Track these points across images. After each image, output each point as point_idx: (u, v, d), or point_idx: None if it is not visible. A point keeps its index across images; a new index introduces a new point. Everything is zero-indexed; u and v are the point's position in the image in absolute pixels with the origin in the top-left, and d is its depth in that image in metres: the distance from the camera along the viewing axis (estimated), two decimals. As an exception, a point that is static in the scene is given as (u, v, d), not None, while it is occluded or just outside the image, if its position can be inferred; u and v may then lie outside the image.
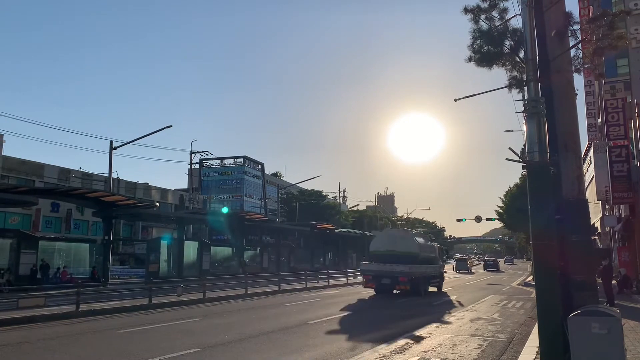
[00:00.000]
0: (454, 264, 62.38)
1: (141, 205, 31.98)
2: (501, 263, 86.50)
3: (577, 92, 8.41)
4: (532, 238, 7.05)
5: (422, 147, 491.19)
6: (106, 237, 28.63)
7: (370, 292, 24.18)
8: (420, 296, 22.56)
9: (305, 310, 16.93)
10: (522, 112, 7.34)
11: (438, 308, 18.13)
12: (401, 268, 22.17)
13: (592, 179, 37.19)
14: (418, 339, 11.02)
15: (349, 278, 34.21)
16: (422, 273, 23.63)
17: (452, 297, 22.88)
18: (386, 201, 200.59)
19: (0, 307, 15.75)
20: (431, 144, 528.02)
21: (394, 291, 23.44)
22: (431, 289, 25.78)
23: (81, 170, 48.44)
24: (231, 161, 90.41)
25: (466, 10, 8.61)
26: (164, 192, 58.79)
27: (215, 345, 10.10)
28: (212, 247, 39.27)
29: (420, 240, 25.61)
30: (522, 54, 8.04)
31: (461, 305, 19.27)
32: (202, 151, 61.50)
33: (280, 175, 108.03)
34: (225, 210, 40.14)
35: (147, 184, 57.52)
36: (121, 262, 43.96)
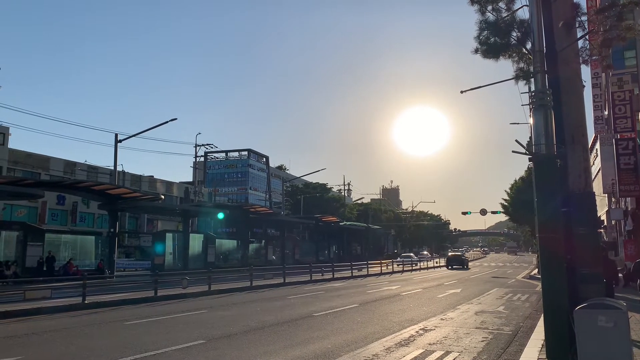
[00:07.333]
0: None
1: (146, 198, 32.10)
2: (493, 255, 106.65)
3: (584, 84, 8.33)
4: (538, 230, 7.00)
5: (427, 141, 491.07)
6: (112, 230, 28.77)
7: (375, 286, 24.15)
8: (520, 254, 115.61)
9: (310, 303, 16.97)
10: (529, 104, 7.28)
11: (443, 301, 18.13)
12: (515, 249, 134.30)
13: (598, 171, 37.00)
14: (423, 332, 11.03)
15: (353, 271, 34.25)
16: (517, 250, 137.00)
17: (457, 290, 22.88)
18: (391, 194, 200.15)
19: (7, 299, 15.91)
20: (436, 137, 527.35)
21: (515, 253, 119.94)
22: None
23: (86, 163, 48.57)
24: (236, 154, 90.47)
25: (472, 1, 8.52)
26: (169, 184, 58.91)
27: (220, 337, 10.14)
28: (217, 240, 39.44)
29: (515, 243, 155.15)
30: (529, 46, 7.97)
31: (466, 298, 19.28)
32: (207, 144, 61.44)
33: (285, 168, 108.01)
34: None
35: (152, 176, 57.62)
36: (127, 254, 44.12)
